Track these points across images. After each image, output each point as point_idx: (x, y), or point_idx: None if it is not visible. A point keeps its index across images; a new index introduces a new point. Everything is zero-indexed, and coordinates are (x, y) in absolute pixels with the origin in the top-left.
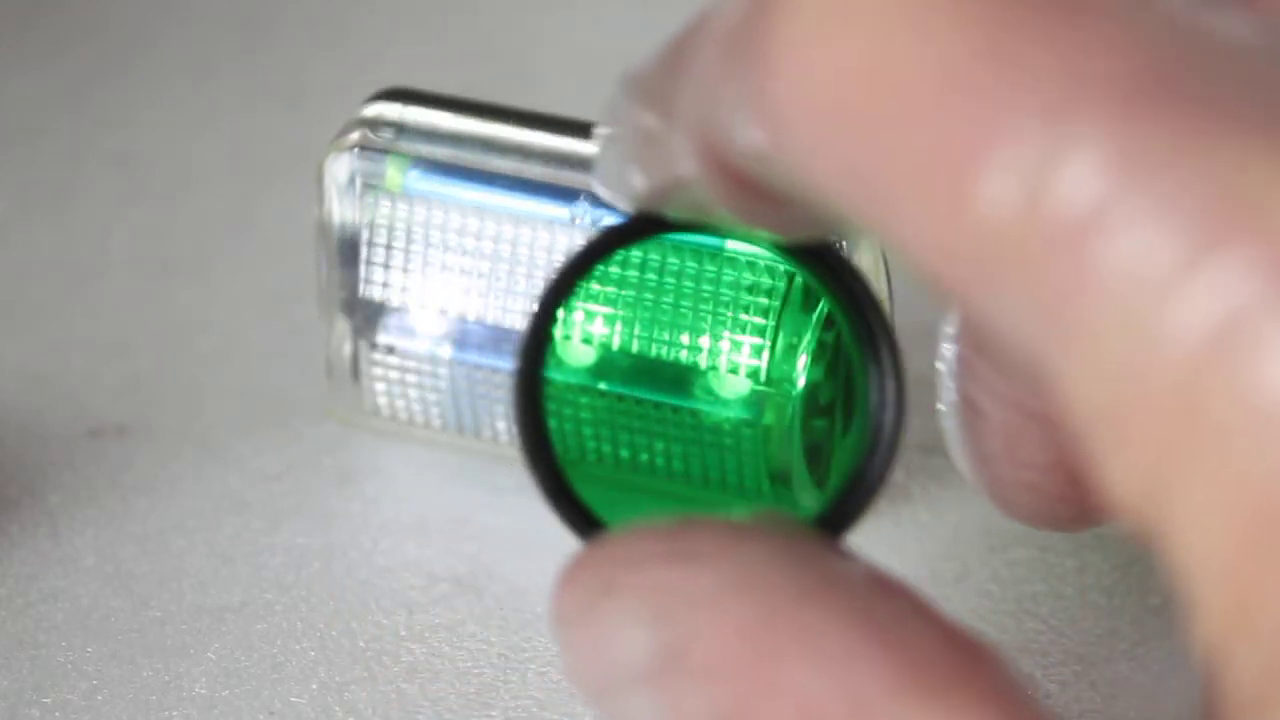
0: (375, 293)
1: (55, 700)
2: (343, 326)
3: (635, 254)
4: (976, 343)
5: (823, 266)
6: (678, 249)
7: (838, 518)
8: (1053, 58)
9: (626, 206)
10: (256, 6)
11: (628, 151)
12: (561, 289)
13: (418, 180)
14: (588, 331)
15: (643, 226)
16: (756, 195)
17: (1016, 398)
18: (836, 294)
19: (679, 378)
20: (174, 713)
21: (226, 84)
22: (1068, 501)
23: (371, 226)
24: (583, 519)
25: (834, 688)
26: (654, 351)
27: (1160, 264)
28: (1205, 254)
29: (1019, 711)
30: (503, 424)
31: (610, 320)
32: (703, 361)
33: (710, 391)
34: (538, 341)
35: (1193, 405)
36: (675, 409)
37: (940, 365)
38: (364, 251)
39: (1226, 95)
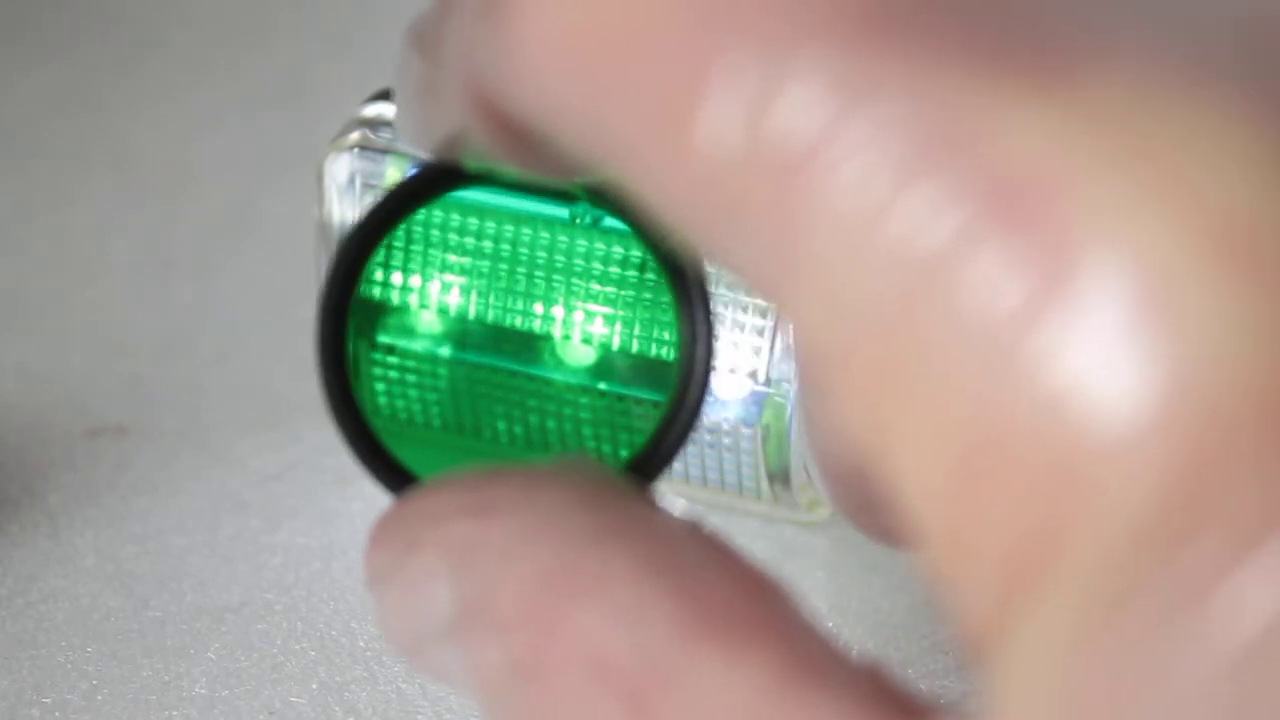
0: (375, 293)
1: (55, 700)
2: None
3: (635, 254)
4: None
5: (624, 206)
6: None
7: (648, 463)
8: None
9: (425, 157)
10: (256, 7)
11: (412, 101)
12: (362, 244)
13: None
14: (587, 331)
15: (438, 177)
16: (525, 142)
17: None
18: (639, 232)
19: None
20: (174, 713)
21: (227, 84)
22: None
23: None
24: (393, 475)
25: (620, 632)
26: (654, 351)
27: (874, 195)
28: (913, 181)
29: (802, 650)
30: (503, 424)
31: (610, 320)
32: None
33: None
34: (340, 295)
35: (903, 336)
36: None
37: (791, 387)
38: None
39: (948, 23)
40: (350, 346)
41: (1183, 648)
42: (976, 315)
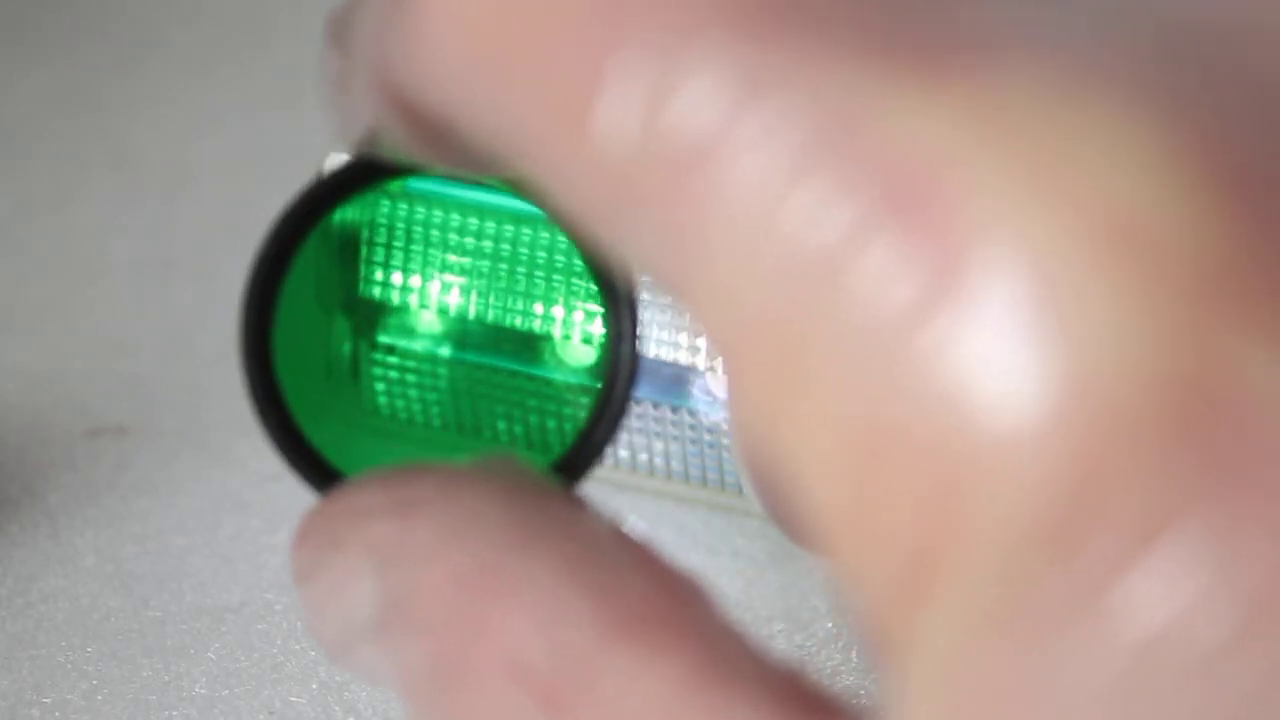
0: (375, 293)
1: (55, 700)
2: (343, 326)
3: None
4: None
5: (542, 201)
6: None
7: (573, 463)
8: None
9: (350, 150)
10: (256, 7)
11: (331, 95)
12: (278, 248)
13: (418, 180)
14: (587, 331)
15: (360, 172)
16: (437, 135)
17: None
18: (561, 226)
19: (677, 377)
20: (174, 713)
21: (227, 84)
22: None
23: (371, 226)
24: (318, 472)
25: (537, 634)
26: (653, 351)
27: (767, 190)
28: (803, 178)
29: (719, 651)
30: (503, 424)
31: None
32: (701, 362)
33: (709, 392)
34: (261, 296)
35: (796, 335)
36: (674, 408)
37: (720, 393)
38: (364, 251)
39: (847, 14)
40: (349, 346)
41: (1077, 650)
42: (867, 313)
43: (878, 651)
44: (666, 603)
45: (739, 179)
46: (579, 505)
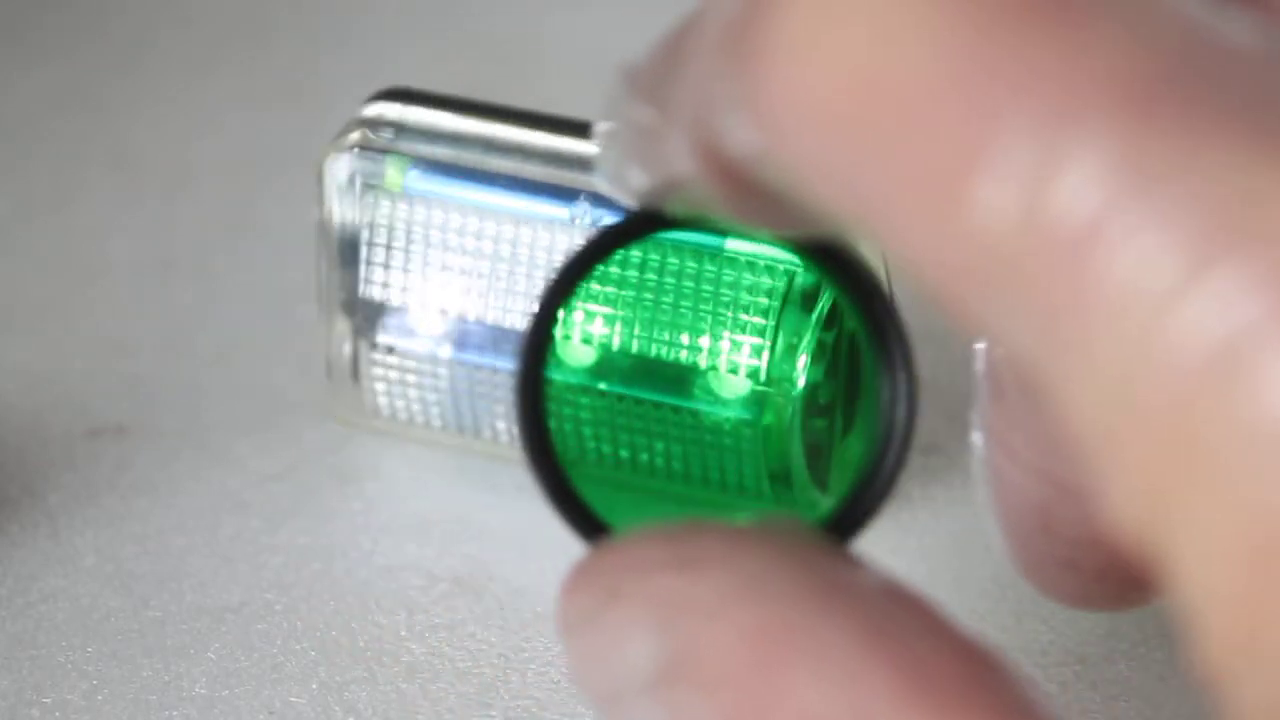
0: (375, 293)
1: (55, 700)
2: (343, 326)
3: (635, 254)
4: (1004, 416)
5: (832, 262)
6: (678, 249)
7: (848, 521)
8: (1051, 59)
9: (628, 202)
10: (257, 7)
11: (627, 148)
12: (563, 288)
13: (418, 180)
14: (588, 331)
15: (645, 223)
16: (754, 195)
17: (1047, 469)
18: (846, 289)
19: (679, 378)
20: (174, 713)
21: (227, 84)
22: (1108, 579)
23: (371, 226)
24: (588, 523)
25: (838, 700)
26: (654, 351)
27: (1161, 278)
28: (1206, 268)
29: None
30: (502, 424)
31: (610, 320)
32: (703, 361)
33: (710, 391)
34: (539, 342)
35: (1193, 426)
36: (675, 409)
37: (974, 440)
38: (364, 251)
39: (1232, 100)
40: (352, 350)
41: None
42: (1273, 410)
43: None
44: (967, 671)
45: (1130, 266)
46: (860, 566)
